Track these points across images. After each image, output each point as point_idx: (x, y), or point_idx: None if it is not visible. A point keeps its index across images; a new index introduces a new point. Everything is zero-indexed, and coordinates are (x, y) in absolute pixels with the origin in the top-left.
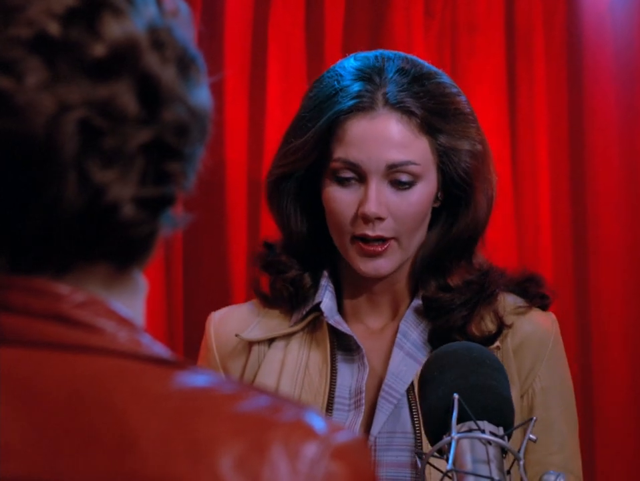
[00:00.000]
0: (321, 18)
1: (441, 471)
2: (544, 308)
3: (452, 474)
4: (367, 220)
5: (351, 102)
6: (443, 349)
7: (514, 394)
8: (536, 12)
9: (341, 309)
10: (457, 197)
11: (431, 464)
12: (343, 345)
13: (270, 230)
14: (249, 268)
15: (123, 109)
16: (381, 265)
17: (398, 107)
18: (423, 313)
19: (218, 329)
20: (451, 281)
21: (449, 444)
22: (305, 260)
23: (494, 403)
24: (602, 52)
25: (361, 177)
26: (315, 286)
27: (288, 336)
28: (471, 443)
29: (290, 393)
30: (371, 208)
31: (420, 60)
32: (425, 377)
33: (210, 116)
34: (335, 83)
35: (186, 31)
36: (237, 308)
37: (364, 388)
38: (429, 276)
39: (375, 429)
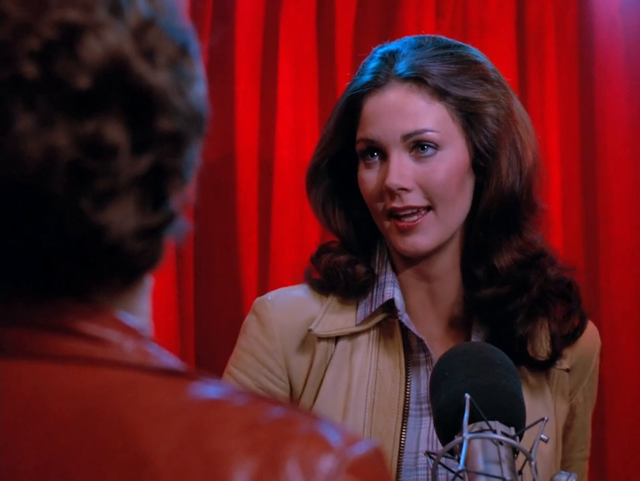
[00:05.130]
0: (332, 19)
1: (453, 472)
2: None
3: (464, 474)
4: (392, 193)
5: (364, 79)
6: (454, 349)
7: (563, 408)
8: (547, 12)
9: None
10: (483, 168)
11: (442, 464)
12: (408, 345)
13: (279, 232)
14: (260, 269)
15: (113, 143)
16: (418, 240)
17: (408, 76)
18: (484, 326)
19: (281, 317)
20: (498, 262)
21: (461, 444)
22: (358, 253)
23: (505, 403)
24: (613, 52)
25: (383, 153)
26: (371, 276)
27: (353, 335)
28: (482, 443)
29: (363, 397)
30: (392, 180)
31: (446, 38)
32: (436, 377)
33: (206, 111)
34: (360, 68)
35: (176, 14)
36: (294, 294)
37: None
38: (477, 258)
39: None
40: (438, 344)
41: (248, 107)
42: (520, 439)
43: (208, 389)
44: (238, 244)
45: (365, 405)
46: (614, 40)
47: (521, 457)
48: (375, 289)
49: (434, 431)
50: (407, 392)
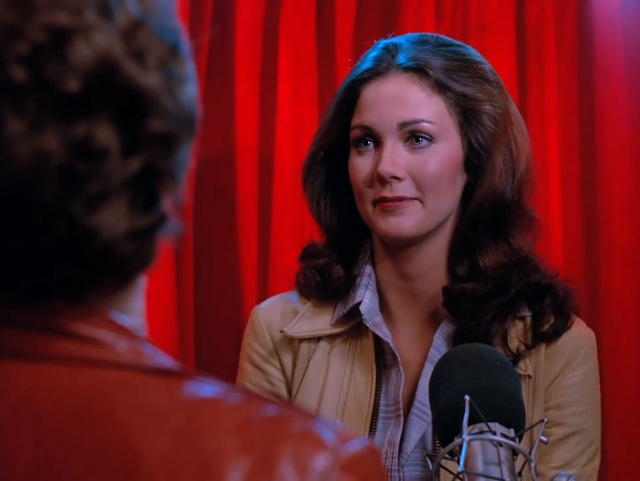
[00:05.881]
0: (332, 19)
1: (453, 473)
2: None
3: (463, 476)
4: (383, 181)
5: (364, 66)
6: (454, 350)
7: (539, 409)
8: (547, 13)
9: (383, 308)
10: (477, 167)
11: (442, 466)
12: (383, 349)
13: (279, 232)
14: (260, 269)
15: (103, 146)
16: (402, 222)
17: (410, 66)
18: (454, 322)
19: (270, 320)
20: (482, 261)
21: (461, 446)
22: (342, 252)
23: (504, 404)
24: (613, 53)
25: (377, 141)
26: (348, 279)
27: (333, 337)
28: (482, 444)
29: (335, 399)
30: (385, 167)
31: (449, 38)
32: (436, 378)
33: (198, 112)
34: (361, 58)
35: (166, 13)
36: (284, 299)
37: (400, 398)
38: (462, 255)
39: (408, 447)
40: (411, 345)
41: (248, 107)
42: (520, 440)
43: (202, 388)
44: (238, 244)
45: (336, 406)
46: (614, 40)
47: (520, 459)
48: (350, 291)
49: (396, 433)
50: (378, 394)
